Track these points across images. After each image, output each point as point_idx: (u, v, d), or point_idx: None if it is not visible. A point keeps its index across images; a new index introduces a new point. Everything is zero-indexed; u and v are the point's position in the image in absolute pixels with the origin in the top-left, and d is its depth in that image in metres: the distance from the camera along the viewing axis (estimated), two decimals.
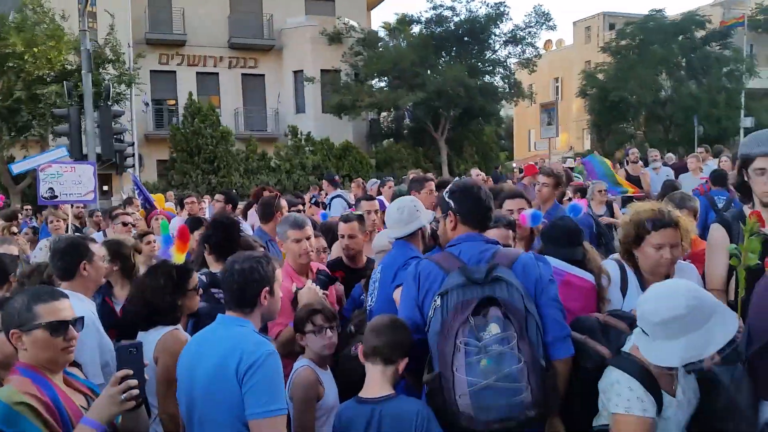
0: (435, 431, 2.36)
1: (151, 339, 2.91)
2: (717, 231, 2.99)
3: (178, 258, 3.59)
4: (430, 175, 7.42)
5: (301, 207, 7.34)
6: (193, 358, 2.41)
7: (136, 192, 10.98)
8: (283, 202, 5.47)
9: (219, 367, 2.28)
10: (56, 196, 6.69)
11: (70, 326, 2.18)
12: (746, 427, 2.21)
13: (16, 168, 8.24)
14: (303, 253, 3.67)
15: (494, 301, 2.33)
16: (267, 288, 2.43)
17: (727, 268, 2.91)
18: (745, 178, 2.91)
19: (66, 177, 6.70)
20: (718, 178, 7.18)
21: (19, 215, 9.31)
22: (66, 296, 2.27)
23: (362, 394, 2.51)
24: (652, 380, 2.15)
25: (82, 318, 2.27)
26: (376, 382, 2.49)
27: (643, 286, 2.87)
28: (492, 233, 2.87)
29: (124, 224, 6.03)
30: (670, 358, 2.06)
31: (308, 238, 3.72)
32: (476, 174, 9.86)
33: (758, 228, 2.53)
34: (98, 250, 3.35)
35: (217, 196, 7.48)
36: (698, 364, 2.19)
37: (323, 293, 3.39)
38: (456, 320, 2.30)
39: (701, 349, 2.04)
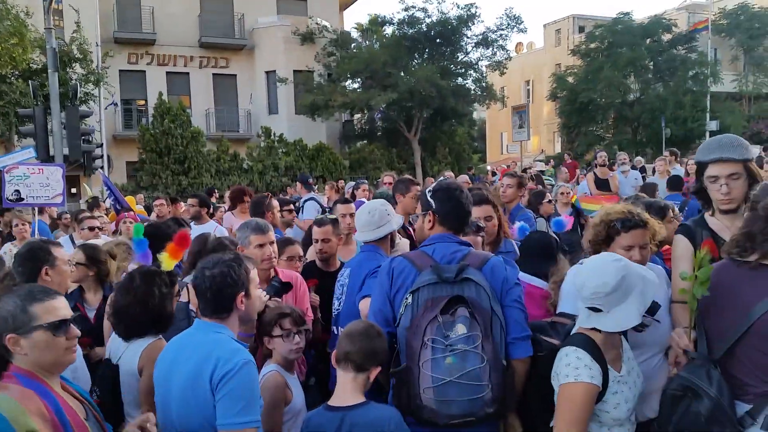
0: None
1: (133, 349, 2.83)
2: (680, 241, 2.89)
3: (168, 264, 3.37)
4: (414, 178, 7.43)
5: (292, 206, 7.32)
6: (170, 364, 2.38)
7: (107, 193, 10.74)
8: (275, 202, 5.46)
9: (194, 374, 2.24)
10: (22, 199, 6.52)
11: (71, 324, 2.10)
12: (731, 429, 2.26)
13: None
14: (265, 259, 3.56)
15: (462, 300, 2.43)
16: (242, 292, 2.38)
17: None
18: (703, 185, 2.89)
19: (33, 179, 6.53)
20: (672, 182, 7.68)
21: None
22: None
23: (332, 401, 2.46)
24: (599, 352, 2.29)
25: (79, 316, 2.22)
26: (347, 389, 2.44)
27: None
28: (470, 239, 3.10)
29: (91, 228, 5.92)
30: (630, 319, 2.26)
31: (271, 243, 3.63)
32: (449, 176, 9.88)
33: (709, 260, 2.44)
34: (62, 254, 3.26)
35: (190, 200, 7.35)
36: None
37: (275, 301, 3.24)
38: (425, 317, 2.41)
39: (645, 304, 2.28)
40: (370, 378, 2.45)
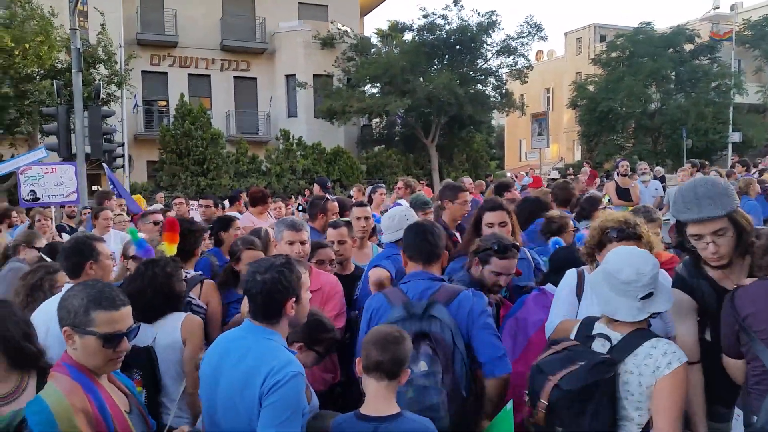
0: None
1: (170, 325, 3.10)
2: (678, 299, 2.60)
3: (170, 250, 3.66)
4: (464, 184, 7.38)
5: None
6: (217, 365, 2.37)
7: (112, 188, 10.67)
8: (332, 205, 5.46)
9: (244, 380, 2.25)
10: (38, 198, 6.61)
11: (124, 338, 2.15)
12: None
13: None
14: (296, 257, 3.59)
15: (427, 336, 2.66)
16: (293, 298, 2.35)
17: (695, 336, 2.64)
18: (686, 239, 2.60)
19: (47, 178, 6.63)
20: None
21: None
22: (127, 304, 2.20)
23: (364, 410, 2.36)
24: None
25: (138, 327, 2.26)
26: (379, 397, 2.35)
27: None
28: (502, 264, 3.28)
29: (155, 223, 5.86)
30: (670, 295, 2.42)
31: (303, 243, 3.63)
32: (468, 183, 9.84)
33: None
34: (105, 249, 3.41)
35: (202, 201, 7.49)
36: None
37: None
38: None
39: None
40: (401, 382, 2.38)
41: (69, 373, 2.07)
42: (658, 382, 2.24)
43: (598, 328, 2.45)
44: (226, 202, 8.87)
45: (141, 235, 4.11)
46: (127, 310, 2.18)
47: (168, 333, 3.07)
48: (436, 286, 2.83)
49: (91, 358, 2.09)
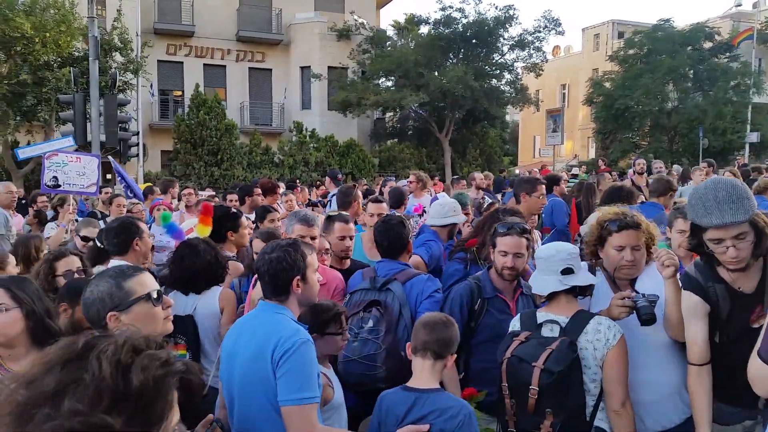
0: (474, 428, 2.48)
1: (209, 296, 3.55)
2: (689, 300, 2.60)
3: (203, 232, 4.08)
4: (540, 177, 7.52)
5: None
6: (234, 341, 2.51)
7: (118, 179, 10.49)
8: (359, 193, 5.79)
9: (257, 352, 2.35)
10: (59, 185, 6.64)
11: (164, 294, 2.22)
12: None
13: (22, 154, 8.16)
14: None
15: (378, 303, 3.35)
16: (298, 276, 2.47)
17: (705, 338, 2.60)
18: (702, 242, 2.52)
19: (71, 167, 6.65)
20: None
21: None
22: (146, 270, 2.31)
23: (409, 383, 2.61)
24: None
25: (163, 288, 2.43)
26: (424, 374, 2.58)
27: (614, 286, 2.95)
28: (505, 241, 3.31)
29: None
30: (589, 276, 2.82)
31: (313, 238, 3.62)
32: (479, 178, 9.79)
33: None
34: (145, 227, 3.88)
35: (230, 197, 7.82)
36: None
37: None
38: (352, 312, 3.33)
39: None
40: (447, 365, 2.61)
41: None
42: (608, 354, 2.58)
43: (542, 316, 2.73)
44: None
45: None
46: (150, 275, 2.25)
47: (207, 303, 3.49)
48: (399, 269, 3.58)
49: (148, 325, 2.07)
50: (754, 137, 29.12)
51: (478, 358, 3.25)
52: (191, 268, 3.54)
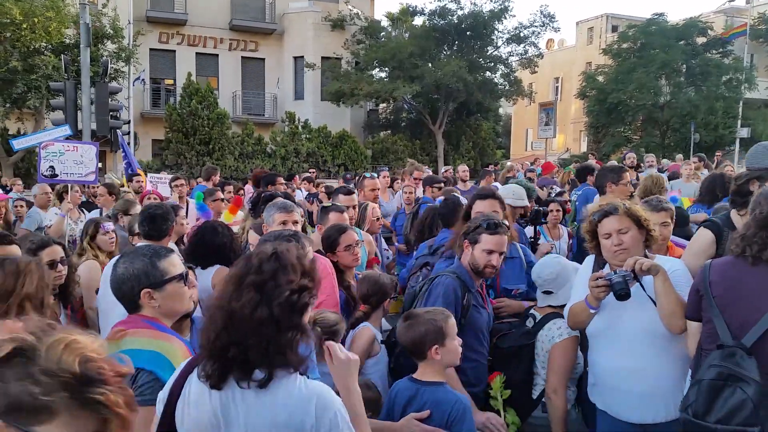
0: (468, 423, 2.61)
1: (208, 272, 3.85)
2: (704, 236, 3.05)
3: (228, 218, 4.70)
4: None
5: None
6: None
7: (122, 155, 10.64)
8: (370, 182, 6.21)
9: None
10: (56, 175, 6.59)
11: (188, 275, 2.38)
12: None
13: (18, 144, 8.05)
14: None
15: (428, 264, 3.92)
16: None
17: None
18: (750, 189, 2.97)
19: (68, 156, 6.58)
20: None
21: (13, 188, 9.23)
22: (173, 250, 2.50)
23: (415, 375, 2.77)
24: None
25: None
26: (429, 369, 2.73)
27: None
28: (493, 239, 3.23)
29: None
30: (568, 296, 3.18)
31: (295, 223, 3.68)
32: (462, 171, 9.75)
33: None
34: (181, 213, 4.57)
35: (227, 188, 8.07)
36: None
37: None
38: (412, 271, 3.94)
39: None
40: (435, 358, 2.72)
41: (154, 326, 2.22)
42: (552, 347, 3.17)
43: (532, 311, 3.44)
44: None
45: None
46: (177, 256, 2.42)
47: (203, 279, 3.65)
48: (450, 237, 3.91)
49: (177, 303, 2.28)
50: (744, 132, 29.29)
51: (466, 357, 3.02)
52: (207, 245, 3.94)
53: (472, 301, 3.21)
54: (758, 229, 2.53)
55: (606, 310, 2.85)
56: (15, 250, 3.23)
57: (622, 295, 2.68)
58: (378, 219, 5.09)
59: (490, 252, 3.19)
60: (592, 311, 2.87)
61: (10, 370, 1.01)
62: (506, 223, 3.19)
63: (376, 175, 6.99)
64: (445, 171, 11.01)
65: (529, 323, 3.36)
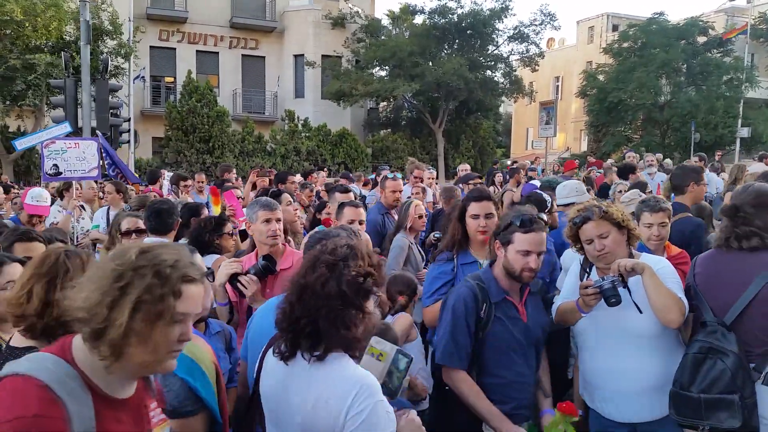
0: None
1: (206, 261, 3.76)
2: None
3: (217, 210, 4.89)
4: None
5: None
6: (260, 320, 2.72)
7: (105, 158, 9.90)
8: (392, 183, 5.99)
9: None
10: (60, 173, 6.58)
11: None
12: (749, 381, 2.61)
13: (20, 144, 8.01)
14: (271, 235, 3.60)
15: None
16: None
17: None
18: None
19: (70, 153, 6.57)
20: None
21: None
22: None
23: None
24: None
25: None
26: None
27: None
28: (528, 238, 2.83)
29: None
30: None
31: (278, 220, 3.68)
32: (462, 169, 9.79)
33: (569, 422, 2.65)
34: (204, 211, 4.64)
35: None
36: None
37: (248, 279, 3.31)
38: None
39: None
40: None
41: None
42: None
43: None
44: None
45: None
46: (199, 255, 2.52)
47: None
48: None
49: (205, 297, 2.30)
50: (744, 132, 29.30)
51: (490, 372, 2.84)
52: (197, 232, 4.23)
53: (494, 314, 2.83)
54: (728, 220, 2.82)
55: (592, 311, 2.86)
56: (39, 246, 3.16)
57: (613, 302, 2.70)
58: (421, 217, 5.00)
59: (527, 253, 2.79)
60: (583, 315, 2.87)
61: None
62: (543, 217, 2.96)
63: (400, 175, 6.79)
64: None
65: None
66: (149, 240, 4.05)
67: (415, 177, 8.29)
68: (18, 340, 2.15)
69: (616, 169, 8.55)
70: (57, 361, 1.42)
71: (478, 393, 2.76)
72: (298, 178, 9.10)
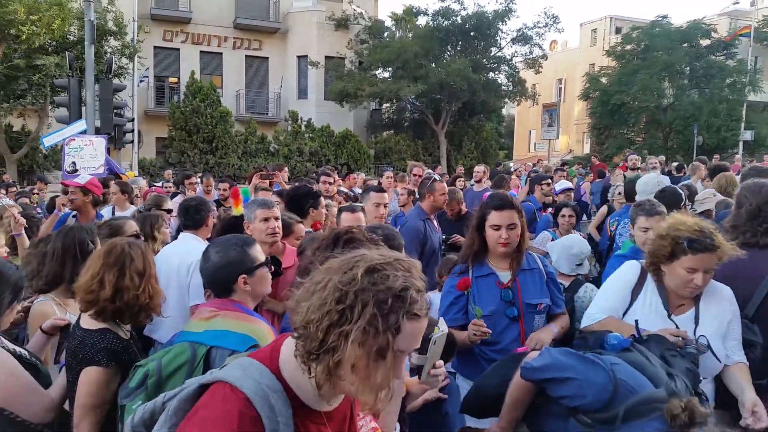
0: None
1: None
2: None
3: (238, 210, 4.78)
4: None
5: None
6: None
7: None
8: (440, 185, 5.39)
9: None
10: (77, 170, 6.63)
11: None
12: None
13: (48, 141, 8.07)
14: (270, 233, 3.67)
15: None
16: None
17: None
18: None
19: (86, 151, 6.67)
20: None
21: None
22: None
23: None
24: None
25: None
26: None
27: (668, 301, 2.71)
28: (499, 215, 3.10)
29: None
30: None
31: (276, 219, 3.74)
32: (479, 170, 9.77)
33: None
34: (213, 206, 4.49)
35: (221, 185, 8.15)
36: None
37: None
38: None
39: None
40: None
41: (243, 310, 2.37)
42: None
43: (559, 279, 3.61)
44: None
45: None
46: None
47: None
48: None
49: (264, 286, 2.50)
50: (748, 135, 29.27)
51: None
52: (227, 230, 4.15)
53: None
54: (748, 219, 2.93)
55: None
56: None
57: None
58: (443, 194, 5.33)
59: (498, 228, 3.02)
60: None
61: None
62: (717, 240, 2.55)
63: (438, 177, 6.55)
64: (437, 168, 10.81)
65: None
66: (184, 236, 4.22)
67: (415, 175, 8.36)
68: (88, 322, 2.42)
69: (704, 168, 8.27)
70: (263, 371, 1.34)
71: (516, 402, 2.44)
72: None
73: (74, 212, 5.45)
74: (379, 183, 8.41)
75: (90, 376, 2.29)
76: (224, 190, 8.00)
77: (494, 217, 3.10)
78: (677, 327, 2.59)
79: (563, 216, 5.70)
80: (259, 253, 2.49)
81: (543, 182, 7.31)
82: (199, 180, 9.54)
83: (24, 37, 16.71)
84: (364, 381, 1.26)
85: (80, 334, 2.40)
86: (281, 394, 1.32)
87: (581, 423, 2.12)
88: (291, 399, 1.33)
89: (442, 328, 2.25)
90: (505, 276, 3.11)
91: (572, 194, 7.74)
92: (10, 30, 17.17)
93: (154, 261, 2.60)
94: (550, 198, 7.20)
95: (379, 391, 1.28)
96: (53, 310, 2.87)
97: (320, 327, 1.24)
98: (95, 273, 2.40)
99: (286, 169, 9.28)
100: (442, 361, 2.21)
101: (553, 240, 5.23)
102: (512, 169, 12.85)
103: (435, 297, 3.25)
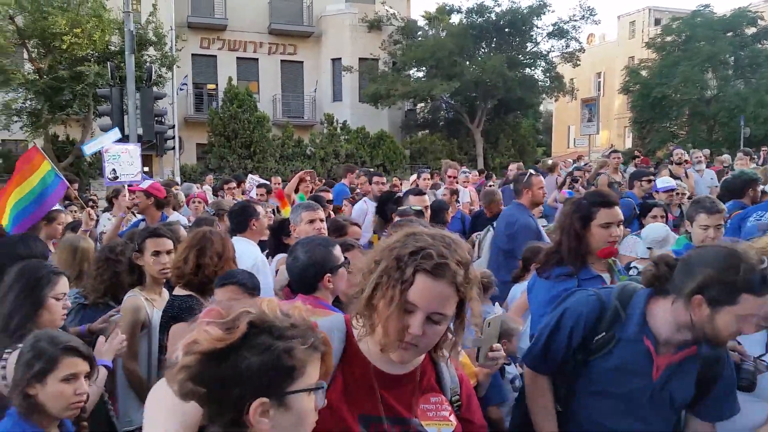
0: None
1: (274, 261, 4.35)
2: None
3: (286, 212, 5.02)
4: None
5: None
6: None
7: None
8: (537, 180, 5.26)
9: None
10: (117, 177, 6.77)
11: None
12: None
13: (88, 149, 8.27)
14: (316, 234, 3.70)
15: None
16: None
17: None
18: None
19: (123, 158, 6.79)
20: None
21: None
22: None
23: None
24: None
25: None
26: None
27: None
28: (609, 212, 3.00)
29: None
30: None
31: (321, 220, 3.83)
32: (516, 168, 9.66)
33: None
34: (262, 210, 4.46)
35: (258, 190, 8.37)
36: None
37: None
38: None
39: None
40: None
41: (327, 307, 2.48)
42: None
43: (633, 264, 3.99)
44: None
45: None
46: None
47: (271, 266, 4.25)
48: None
49: (344, 284, 2.61)
50: None
51: (586, 411, 2.21)
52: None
53: (614, 346, 2.16)
54: None
55: None
56: (167, 241, 3.58)
57: (745, 386, 2.29)
58: (541, 188, 5.27)
59: (608, 225, 2.86)
60: None
61: (254, 342, 1.16)
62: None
63: (542, 175, 6.06)
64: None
65: (633, 272, 3.56)
66: (235, 240, 4.05)
67: (449, 176, 8.19)
68: (178, 291, 3.06)
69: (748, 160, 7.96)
70: (339, 319, 1.63)
71: (545, 408, 2.25)
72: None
73: (143, 217, 5.69)
74: (416, 185, 8.35)
75: (176, 330, 2.74)
76: (261, 195, 8.04)
77: (604, 215, 2.90)
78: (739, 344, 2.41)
79: (654, 217, 5.01)
80: (339, 252, 2.65)
81: (644, 178, 6.74)
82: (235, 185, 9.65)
83: (65, 46, 17.22)
84: (383, 325, 1.45)
85: (171, 299, 3.01)
86: (342, 335, 1.58)
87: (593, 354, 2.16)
88: (349, 345, 1.57)
89: (497, 311, 2.28)
90: (607, 279, 2.96)
91: (675, 196, 6.65)
92: (55, 42, 17.71)
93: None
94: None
95: (390, 334, 1.44)
96: (143, 303, 3.29)
97: (364, 277, 1.52)
98: (181, 252, 3.03)
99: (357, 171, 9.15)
100: (499, 345, 2.28)
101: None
102: (550, 163, 12.48)
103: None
